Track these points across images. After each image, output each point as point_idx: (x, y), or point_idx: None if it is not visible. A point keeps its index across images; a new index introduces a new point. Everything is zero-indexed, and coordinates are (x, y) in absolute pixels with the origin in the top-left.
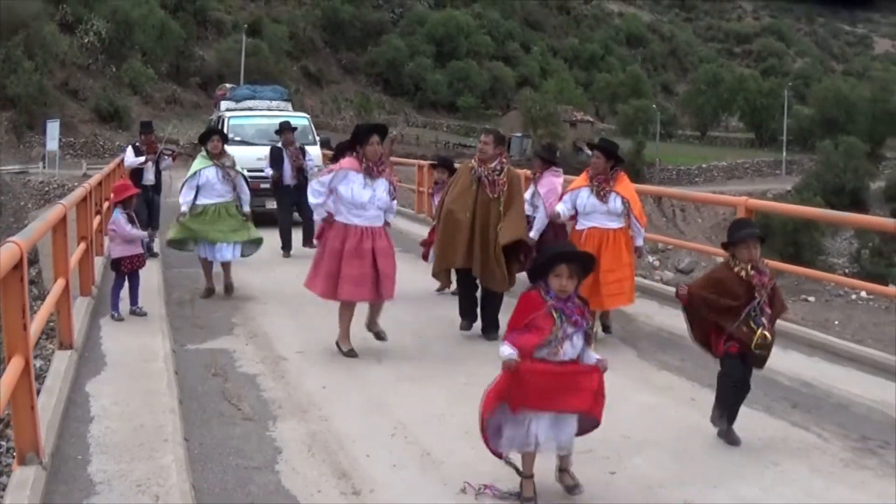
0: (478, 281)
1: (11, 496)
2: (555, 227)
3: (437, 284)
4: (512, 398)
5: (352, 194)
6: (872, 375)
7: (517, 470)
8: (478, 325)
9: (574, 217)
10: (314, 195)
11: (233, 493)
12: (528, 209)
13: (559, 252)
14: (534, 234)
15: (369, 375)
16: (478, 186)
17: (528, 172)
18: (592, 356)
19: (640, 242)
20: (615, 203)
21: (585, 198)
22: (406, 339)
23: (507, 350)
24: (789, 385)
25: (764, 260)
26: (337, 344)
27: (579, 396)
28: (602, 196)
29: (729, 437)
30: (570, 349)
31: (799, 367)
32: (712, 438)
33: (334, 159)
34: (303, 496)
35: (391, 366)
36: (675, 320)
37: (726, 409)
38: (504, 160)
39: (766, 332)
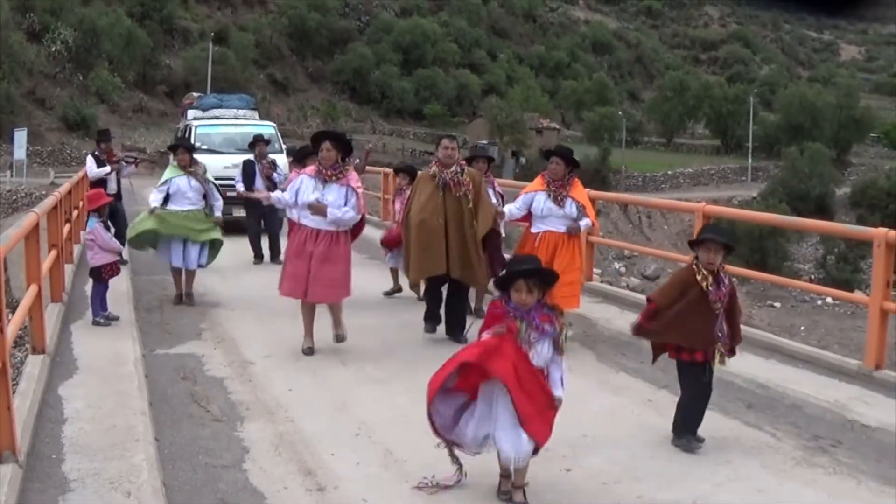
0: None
1: None
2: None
3: (389, 287)
4: (481, 368)
5: (300, 196)
6: (827, 377)
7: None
8: (441, 327)
9: (527, 219)
10: (276, 197)
11: (202, 490)
12: None
13: (516, 270)
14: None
15: (334, 378)
16: (444, 191)
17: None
18: (557, 378)
19: (581, 225)
20: (571, 208)
21: (542, 202)
22: (370, 342)
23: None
24: (744, 386)
25: (725, 270)
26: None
27: (531, 404)
28: (559, 201)
29: (688, 446)
30: (535, 357)
31: (755, 369)
32: (667, 436)
33: (293, 164)
34: (269, 493)
35: (356, 368)
36: None
37: (694, 431)
38: (462, 163)
39: (724, 352)
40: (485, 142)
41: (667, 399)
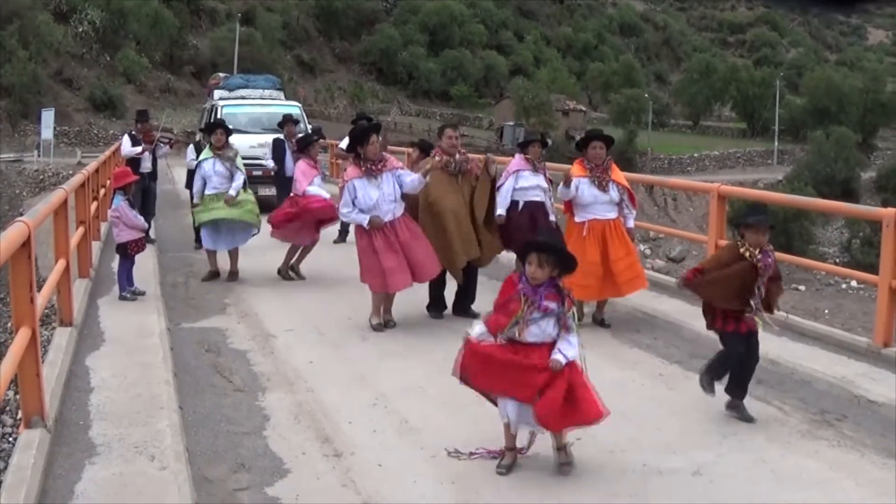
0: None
1: (18, 456)
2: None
3: None
4: (469, 374)
5: (362, 199)
6: (836, 354)
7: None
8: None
9: (568, 207)
10: (344, 216)
11: (223, 455)
12: (541, 195)
13: (528, 241)
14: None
15: (354, 352)
16: (461, 177)
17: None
18: (568, 345)
19: (630, 224)
20: (614, 192)
21: (586, 189)
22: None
23: (475, 327)
24: None
25: (770, 246)
26: (369, 320)
27: (521, 390)
28: (603, 186)
29: (742, 414)
30: (537, 332)
31: (766, 345)
32: (676, 409)
33: (296, 154)
34: (288, 458)
35: (375, 343)
36: (651, 301)
37: (717, 378)
38: (463, 152)
39: (763, 318)
40: (511, 123)
41: (677, 373)
